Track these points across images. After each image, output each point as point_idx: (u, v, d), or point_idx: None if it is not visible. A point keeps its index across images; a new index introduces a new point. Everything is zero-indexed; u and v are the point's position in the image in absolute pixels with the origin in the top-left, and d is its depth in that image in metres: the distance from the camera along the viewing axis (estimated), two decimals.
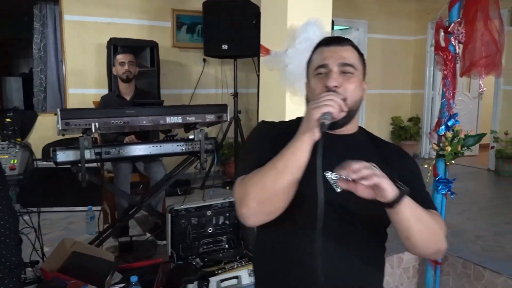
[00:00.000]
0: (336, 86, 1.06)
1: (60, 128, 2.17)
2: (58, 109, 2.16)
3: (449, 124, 2.56)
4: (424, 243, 1.03)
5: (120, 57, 3.05)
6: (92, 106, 3.30)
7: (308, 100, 1.15)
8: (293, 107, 2.20)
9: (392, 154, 1.19)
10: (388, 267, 2.76)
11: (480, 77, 2.46)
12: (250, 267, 2.28)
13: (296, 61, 2.02)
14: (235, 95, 4.54)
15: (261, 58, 2.39)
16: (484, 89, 2.52)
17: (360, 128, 1.23)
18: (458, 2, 2.51)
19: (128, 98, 3.06)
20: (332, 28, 3.94)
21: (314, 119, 0.97)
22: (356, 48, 1.14)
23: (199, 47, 4.65)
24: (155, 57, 4.07)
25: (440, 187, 2.60)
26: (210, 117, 2.51)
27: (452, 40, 2.51)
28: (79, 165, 2.29)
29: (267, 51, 2.29)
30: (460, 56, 2.52)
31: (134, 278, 1.94)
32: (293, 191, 1.01)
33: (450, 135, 2.53)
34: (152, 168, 2.92)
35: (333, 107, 0.98)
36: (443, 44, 2.56)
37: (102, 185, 2.74)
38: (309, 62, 1.18)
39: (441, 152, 2.56)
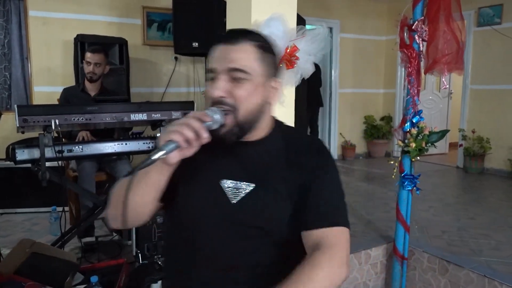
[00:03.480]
0: (222, 97, 0.93)
1: (18, 125, 2.11)
2: (16, 105, 2.09)
3: (414, 120, 2.60)
4: None
5: (88, 56, 2.96)
6: (57, 102, 3.21)
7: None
8: None
9: (303, 155, 1.04)
10: (356, 263, 2.79)
11: (443, 74, 2.51)
12: None
13: None
14: None
15: None
16: (447, 86, 2.59)
17: (276, 128, 1.07)
18: (421, 1, 2.55)
19: (92, 94, 2.99)
20: (304, 26, 3.96)
21: (160, 144, 0.85)
22: (259, 45, 0.97)
23: (170, 45, 4.58)
24: (124, 54, 3.99)
25: (406, 183, 2.64)
26: (176, 114, 2.48)
27: (416, 38, 2.55)
28: (40, 163, 2.22)
29: None
30: (424, 54, 2.57)
31: (94, 279, 1.89)
32: (149, 206, 0.96)
33: (415, 132, 2.57)
34: (118, 166, 2.85)
35: (180, 135, 0.84)
36: (407, 42, 2.61)
37: (64, 184, 2.65)
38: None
39: (406, 149, 2.59)
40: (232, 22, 2.30)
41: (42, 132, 2.21)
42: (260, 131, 1.02)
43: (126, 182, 0.92)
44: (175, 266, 1.07)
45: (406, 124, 2.60)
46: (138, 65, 4.55)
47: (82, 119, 2.24)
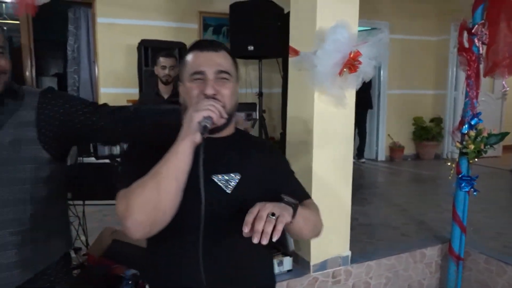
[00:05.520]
0: (214, 94, 1.07)
1: None
2: None
3: (472, 123, 2.63)
4: (309, 235, 1.16)
5: (162, 60, 3.19)
6: (127, 104, 3.47)
7: (182, 103, 1.14)
8: (321, 105, 2.31)
9: (263, 149, 1.24)
10: (410, 262, 2.85)
11: (503, 77, 2.53)
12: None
13: (325, 61, 2.13)
14: (260, 94, 4.66)
15: (290, 59, 2.50)
16: (507, 88, 2.59)
17: (236, 129, 1.24)
18: (482, 4, 2.58)
19: (165, 97, 3.22)
20: (365, 31, 4.04)
21: (195, 122, 0.97)
22: (229, 53, 1.15)
23: None
24: (183, 58, 4.22)
25: (463, 184, 2.67)
26: (240, 115, 2.64)
27: (476, 41, 2.58)
28: (118, 159, 2.45)
29: (296, 52, 2.40)
30: (484, 57, 2.59)
31: None
32: (178, 198, 0.98)
33: (473, 134, 2.60)
34: None
35: (214, 112, 0.99)
36: (466, 45, 2.64)
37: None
38: (183, 64, 1.15)
39: (464, 150, 2.63)
40: (297, 29, 2.43)
41: None
42: (230, 128, 1.19)
43: (149, 180, 0.96)
44: (174, 263, 1.11)
45: (464, 126, 2.64)
46: None
47: None
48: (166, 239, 1.09)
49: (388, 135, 6.39)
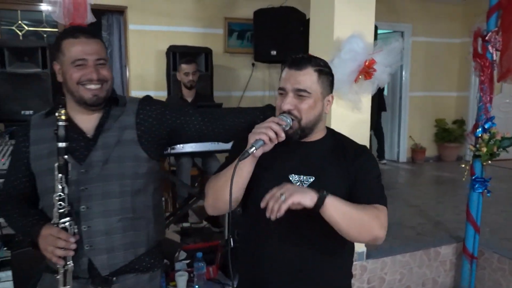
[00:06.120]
0: (290, 109, 1.23)
1: None
2: None
3: (486, 126, 2.73)
4: (354, 234, 1.18)
5: (185, 67, 3.41)
6: None
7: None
8: (338, 110, 2.47)
9: (349, 154, 1.31)
10: (425, 259, 2.96)
11: None
12: None
13: (341, 69, 2.28)
14: None
15: None
16: None
17: (328, 133, 1.36)
18: (496, 12, 2.68)
19: (189, 100, 3.44)
20: (376, 32, 4.14)
21: (249, 143, 1.16)
22: (318, 70, 1.26)
23: (248, 52, 5.01)
24: (209, 62, 4.44)
25: (476, 186, 2.78)
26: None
27: (490, 48, 2.69)
28: None
29: None
30: (497, 63, 2.69)
31: (199, 254, 2.28)
32: (238, 195, 1.23)
33: (487, 137, 2.70)
34: (209, 162, 3.27)
35: (266, 135, 1.15)
36: (480, 51, 2.74)
37: (166, 177, 3.12)
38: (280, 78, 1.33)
39: (477, 153, 2.74)
40: (316, 38, 2.59)
41: None
42: (317, 134, 1.32)
43: (221, 176, 1.24)
44: (249, 252, 1.34)
45: (478, 130, 2.74)
46: (219, 71, 4.98)
47: None
48: (250, 227, 1.35)
49: (410, 136, 6.44)
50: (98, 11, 4.99)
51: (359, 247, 2.70)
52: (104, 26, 5.01)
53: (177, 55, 4.22)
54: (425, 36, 6.27)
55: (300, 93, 1.24)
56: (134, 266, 1.35)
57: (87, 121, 1.33)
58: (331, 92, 1.33)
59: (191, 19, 4.97)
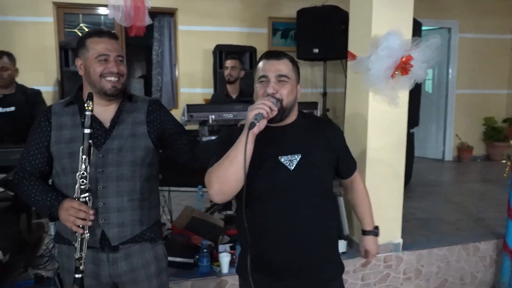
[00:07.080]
0: (273, 93, 1.36)
1: (186, 119, 2.79)
2: (185, 104, 2.78)
3: None
4: None
5: (226, 62, 3.62)
6: (203, 103, 3.94)
7: (255, 99, 1.42)
8: (375, 104, 2.56)
9: (324, 128, 1.50)
10: (463, 254, 2.98)
11: None
12: None
13: (378, 65, 2.39)
14: (324, 94, 4.93)
15: (348, 63, 2.78)
16: None
17: (299, 114, 1.49)
18: None
19: (234, 96, 3.63)
20: (420, 29, 4.15)
21: (249, 119, 1.27)
22: (291, 60, 1.44)
23: (291, 51, 5.12)
24: (254, 60, 4.63)
25: None
26: (305, 111, 2.97)
27: None
28: None
29: (354, 57, 2.67)
30: None
31: None
32: (241, 174, 1.27)
33: None
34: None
35: (263, 109, 1.27)
36: None
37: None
38: (255, 70, 1.45)
39: None
40: (354, 35, 2.70)
41: (199, 125, 2.88)
42: (292, 117, 1.45)
43: (224, 159, 1.30)
44: (250, 232, 1.36)
45: None
46: None
47: (230, 115, 2.86)
48: (248, 205, 1.39)
49: (456, 135, 6.31)
50: (151, 14, 5.34)
51: (395, 238, 2.78)
52: (156, 27, 5.33)
53: (223, 54, 4.44)
54: (473, 33, 6.12)
55: (281, 79, 1.38)
56: (138, 240, 1.57)
57: (104, 113, 1.54)
58: (299, 82, 1.52)
59: (236, 19, 5.19)
